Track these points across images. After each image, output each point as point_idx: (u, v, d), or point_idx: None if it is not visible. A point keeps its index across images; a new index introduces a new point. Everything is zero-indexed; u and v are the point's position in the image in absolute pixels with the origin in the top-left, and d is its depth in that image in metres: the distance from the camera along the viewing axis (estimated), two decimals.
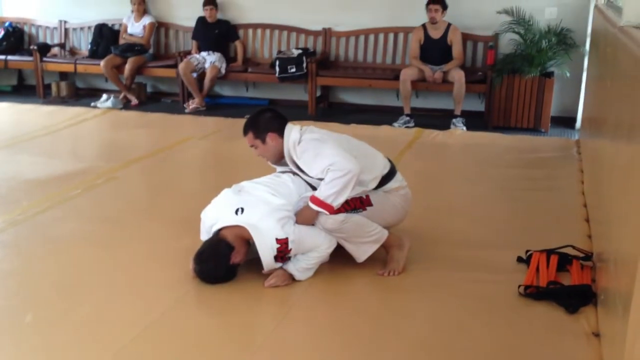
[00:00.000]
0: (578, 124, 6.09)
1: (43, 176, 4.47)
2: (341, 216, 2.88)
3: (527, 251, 3.15)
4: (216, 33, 6.88)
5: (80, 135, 5.95)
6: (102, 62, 6.94)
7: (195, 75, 6.76)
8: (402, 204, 3.13)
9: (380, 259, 3.06)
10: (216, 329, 2.59)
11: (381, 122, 6.07)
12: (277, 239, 2.77)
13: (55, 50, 7.59)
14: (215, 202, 3.01)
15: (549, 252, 3.11)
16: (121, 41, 7.18)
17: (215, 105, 6.95)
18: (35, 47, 7.27)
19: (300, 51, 6.55)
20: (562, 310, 2.67)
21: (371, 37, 6.73)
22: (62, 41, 7.68)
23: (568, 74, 5.95)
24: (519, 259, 3.14)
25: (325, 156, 2.84)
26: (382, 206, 3.03)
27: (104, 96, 6.96)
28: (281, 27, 6.98)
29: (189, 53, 6.93)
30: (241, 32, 7.05)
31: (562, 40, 5.85)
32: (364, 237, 2.97)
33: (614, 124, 2.81)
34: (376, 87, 6.54)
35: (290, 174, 3.06)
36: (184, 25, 7.22)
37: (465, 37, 6.27)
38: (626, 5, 3.04)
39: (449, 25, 6.15)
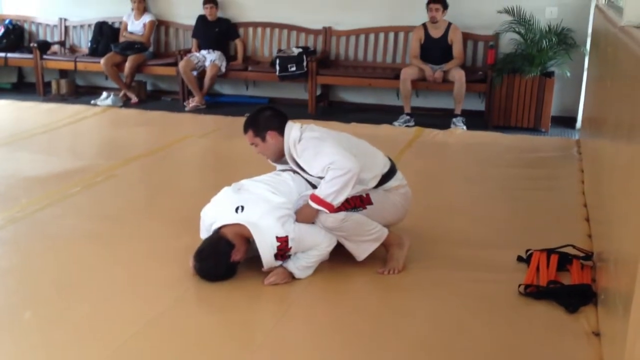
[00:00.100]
0: (578, 123, 6.09)
1: (42, 174, 4.46)
2: (341, 215, 2.88)
3: (528, 250, 3.15)
4: (216, 31, 6.87)
5: (79, 133, 5.95)
6: (102, 60, 6.93)
7: (195, 73, 6.76)
8: (402, 203, 3.12)
9: (380, 257, 3.06)
10: (216, 326, 2.59)
11: (381, 121, 6.07)
12: (277, 237, 2.77)
13: (55, 48, 7.58)
14: (215, 201, 3.01)
15: (549, 252, 3.11)
16: (121, 39, 7.17)
17: (215, 104, 6.94)
18: (36, 45, 7.26)
19: (300, 50, 6.54)
20: (562, 310, 2.66)
21: (371, 36, 6.73)
22: (62, 39, 7.67)
23: (568, 74, 5.95)
24: (519, 259, 3.13)
25: (326, 155, 2.84)
26: (382, 205, 3.03)
27: (104, 94, 6.95)
28: (281, 26, 6.97)
29: (189, 51, 6.92)
30: (241, 31, 7.05)
31: (563, 40, 5.85)
32: (364, 235, 2.97)
33: (615, 124, 2.81)
34: (376, 86, 6.54)
35: (290, 172, 3.06)
36: (184, 24, 7.22)
37: (466, 36, 6.27)
38: (627, 5, 3.04)
39: (450, 24, 6.15)
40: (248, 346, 2.45)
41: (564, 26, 5.90)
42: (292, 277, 2.90)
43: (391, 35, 6.67)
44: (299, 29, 6.92)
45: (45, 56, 7.31)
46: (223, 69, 6.80)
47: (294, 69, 6.45)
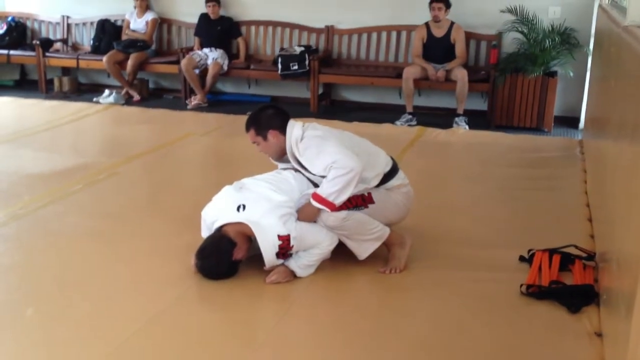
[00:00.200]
0: (581, 123, 6.08)
1: (45, 171, 4.47)
2: (343, 213, 2.87)
3: (530, 250, 3.15)
4: (219, 30, 6.87)
5: (82, 130, 5.95)
6: (104, 58, 6.93)
7: (197, 71, 6.76)
8: (404, 202, 3.12)
9: (382, 256, 3.05)
10: (218, 324, 2.59)
11: (383, 120, 6.06)
12: (279, 236, 2.77)
13: (58, 45, 7.58)
14: (217, 199, 3.01)
15: (552, 252, 3.10)
16: (124, 37, 7.18)
17: (217, 102, 6.94)
18: (38, 42, 7.26)
19: (302, 48, 6.54)
20: (564, 310, 2.66)
21: (374, 35, 6.72)
22: (65, 36, 7.67)
23: (571, 74, 5.94)
24: (521, 258, 3.13)
25: (328, 154, 2.84)
26: (384, 204, 3.03)
27: (106, 92, 6.95)
28: (284, 25, 6.97)
29: (191, 49, 6.92)
30: (244, 29, 7.04)
31: (566, 40, 5.84)
32: (366, 234, 2.97)
33: (618, 124, 2.80)
34: (378, 85, 6.53)
35: (292, 171, 3.06)
36: (187, 22, 7.22)
37: (469, 35, 6.26)
38: (630, 5, 3.03)
39: (452, 23, 6.14)
40: (250, 344, 2.45)
41: (567, 26, 5.89)
42: (293, 275, 2.90)
43: (394, 34, 6.66)
44: (301, 28, 6.92)
45: (47, 54, 7.30)
46: (225, 67, 6.79)
47: (296, 67, 6.44)
